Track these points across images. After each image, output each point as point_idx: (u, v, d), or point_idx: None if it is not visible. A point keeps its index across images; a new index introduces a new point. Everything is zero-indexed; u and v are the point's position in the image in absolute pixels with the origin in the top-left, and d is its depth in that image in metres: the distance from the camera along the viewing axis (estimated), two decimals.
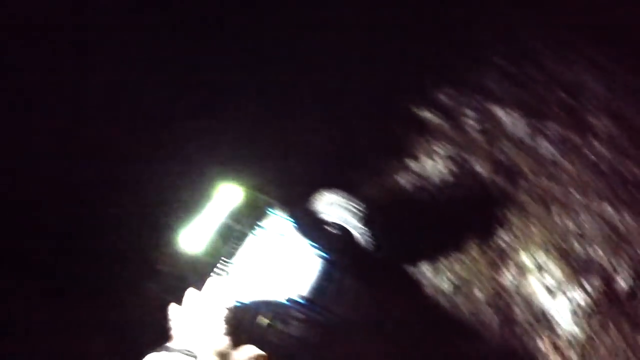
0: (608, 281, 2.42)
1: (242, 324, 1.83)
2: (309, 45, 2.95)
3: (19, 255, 1.98)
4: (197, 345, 1.18)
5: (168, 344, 1.20)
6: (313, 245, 1.88)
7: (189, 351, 1.14)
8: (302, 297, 1.76)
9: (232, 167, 2.17)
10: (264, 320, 1.86)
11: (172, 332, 1.30)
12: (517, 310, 2.23)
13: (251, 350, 1.25)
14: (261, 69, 2.78)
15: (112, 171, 2.19)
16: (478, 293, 2.21)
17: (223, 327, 1.28)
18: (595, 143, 2.90)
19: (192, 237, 1.83)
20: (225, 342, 1.23)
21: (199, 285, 1.75)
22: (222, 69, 2.58)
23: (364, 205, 2.03)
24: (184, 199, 1.98)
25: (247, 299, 1.77)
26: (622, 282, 2.45)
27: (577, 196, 2.63)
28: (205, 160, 2.21)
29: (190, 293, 1.39)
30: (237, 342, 1.24)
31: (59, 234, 2.09)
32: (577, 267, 2.39)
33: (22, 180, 2.15)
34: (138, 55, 2.51)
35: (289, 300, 1.76)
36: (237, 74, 2.61)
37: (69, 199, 2.15)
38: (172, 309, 1.35)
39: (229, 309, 1.35)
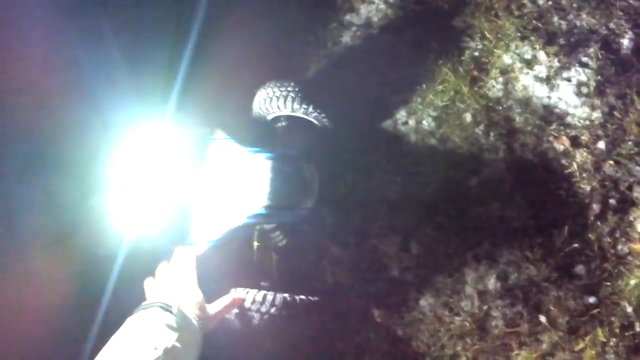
0: (607, 45, 2.09)
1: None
2: None
3: None
4: (174, 299, 1.18)
5: (143, 303, 1.18)
6: (257, 151, 1.62)
7: (165, 304, 1.12)
8: (265, 207, 1.53)
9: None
10: (254, 245, 1.73)
11: (145, 292, 1.34)
12: (517, 118, 1.93)
13: (226, 298, 1.40)
14: None
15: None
16: (466, 116, 1.91)
17: (188, 277, 1.32)
18: None
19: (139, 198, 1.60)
20: (194, 290, 1.28)
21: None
22: None
23: (301, 85, 1.74)
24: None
25: (217, 234, 1.59)
26: (625, 41, 2.12)
27: None
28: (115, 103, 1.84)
29: (161, 266, 1.43)
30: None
31: None
32: (567, 44, 2.06)
33: None
34: None
35: (252, 217, 1.54)
36: None
37: None
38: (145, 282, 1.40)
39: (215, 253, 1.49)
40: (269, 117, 1.85)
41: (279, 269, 1.72)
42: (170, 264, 1.40)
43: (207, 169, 1.68)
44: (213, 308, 1.31)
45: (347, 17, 2.19)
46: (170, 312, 1.08)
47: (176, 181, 1.62)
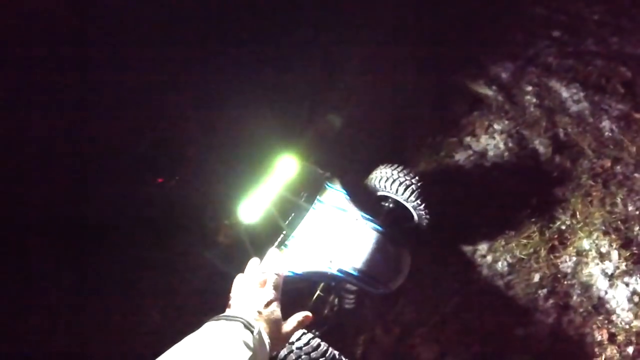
0: None
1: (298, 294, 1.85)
2: (364, 20, 2.89)
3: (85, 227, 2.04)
4: (251, 312, 1.18)
5: (226, 313, 1.19)
6: (368, 219, 1.83)
7: (248, 322, 1.12)
8: (356, 269, 1.73)
9: (291, 140, 2.13)
10: (316, 293, 1.87)
11: (230, 301, 1.30)
12: (574, 295, 2.14)
13: (298, 315, 1.28)
14: (313, 44, 2.75)
15: (170, 144, 2.22)
16: (535, 276, 2.13)
17: (275, 295, 1.28)
18: None
19: (251, 209, 1.82)
20: (276, 309, 1.24)
21: (256, 255, 1.76)
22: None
23: (420, 181, 1.97)
24: (244, 172, 1.95)
25: (302, 269, 1.77)
26: None
27: None
28: (264, 133, 2.19)
29: (252, 262, 1.40)
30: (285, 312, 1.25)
31: (121, 204, 2.15)
32: (637, 254, 2.28)
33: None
34: None
35: (341, 271, 1.73)
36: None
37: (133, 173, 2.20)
38: (236, 279, 1.35)
39: (283, 279, 1.34)
40: (379, 194, 2.07)
41: (331, 323, 1.89)
42: (262, 274, 1.39)
43: (317, 210, 1.90)
44: (286, 327, 1.27)
45: (467, 138, 2.46)
46: (251, 331, 1.12)
47: (288, 204, 1.87)
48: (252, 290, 1.30)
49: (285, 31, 2.87)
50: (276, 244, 1.87)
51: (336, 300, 1.93)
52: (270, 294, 1.27)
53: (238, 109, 2.36)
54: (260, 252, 1.80)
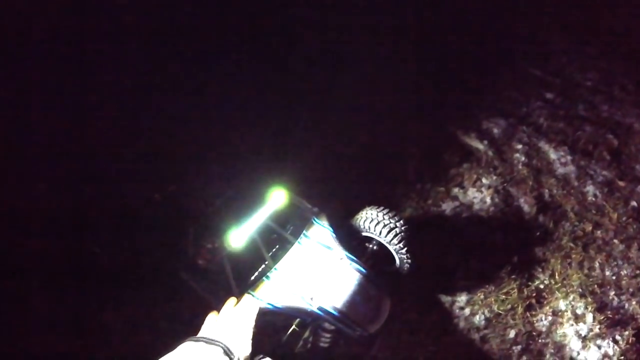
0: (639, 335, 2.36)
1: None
2: (361, 71, 3.00)
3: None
4: (236, 348, 1.17)
5: (204, 335, 1.18)
6: (352, 259, 1.86)
7: (228, 349, 1.13)
8: (336, 309, 1.75)
9: (283, 176, 2.18)
10: (293, 326, 1.87)
11: (204, 325, 1.30)
12: (547, 354, 2.18)
13: None
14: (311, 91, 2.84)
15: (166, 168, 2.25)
16: (511, 332, 2.17)
17: (252, 333, 1.27)
18: None
19: (235, 235, 1.85)
20: (249, 349, 1.21)
21: (235, 283, 1.78)
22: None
23: (405, 225, 2.01)
24: (235, 200, 2.00)
25: (281, 303, 1.78)
26: None
27: (619, 246, 2.58)
28: (257, 166, 2.24)
29: (228, 303, 1.40)
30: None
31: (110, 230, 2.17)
32: (611, 318, 2.33)
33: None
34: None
35: (321, 310, 1.75)
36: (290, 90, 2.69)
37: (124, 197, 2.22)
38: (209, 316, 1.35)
39: (262, 314, 1.36)
40: (363, 234, 2.11)
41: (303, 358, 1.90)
42: (236, 308, 1.41)
43: (303, 244, 1.92)
44: None
45: (455, 190, 2.53)
46: (231, 358, 1.12)
47: (274, 236, 1.90)
48: (228, 325, 1.29)
49: (285, 32, 2.97)
50: (257, 274, 1.90)
51: (311, 337, 1.94)
52: (244, 327, 1.27)
53: (236, 110, 2.42)
54: (240, 280, 1.85)
